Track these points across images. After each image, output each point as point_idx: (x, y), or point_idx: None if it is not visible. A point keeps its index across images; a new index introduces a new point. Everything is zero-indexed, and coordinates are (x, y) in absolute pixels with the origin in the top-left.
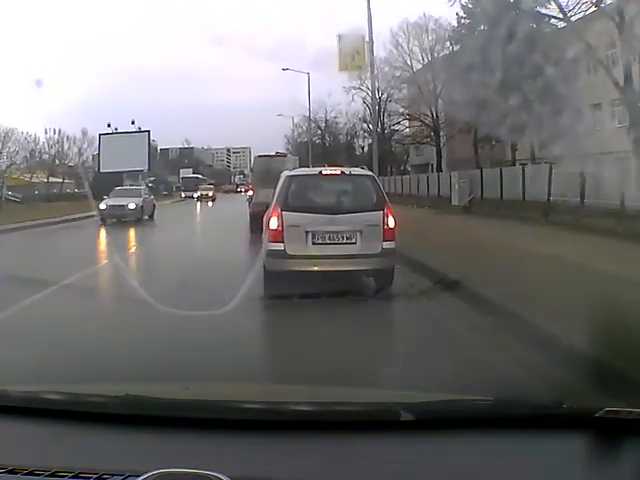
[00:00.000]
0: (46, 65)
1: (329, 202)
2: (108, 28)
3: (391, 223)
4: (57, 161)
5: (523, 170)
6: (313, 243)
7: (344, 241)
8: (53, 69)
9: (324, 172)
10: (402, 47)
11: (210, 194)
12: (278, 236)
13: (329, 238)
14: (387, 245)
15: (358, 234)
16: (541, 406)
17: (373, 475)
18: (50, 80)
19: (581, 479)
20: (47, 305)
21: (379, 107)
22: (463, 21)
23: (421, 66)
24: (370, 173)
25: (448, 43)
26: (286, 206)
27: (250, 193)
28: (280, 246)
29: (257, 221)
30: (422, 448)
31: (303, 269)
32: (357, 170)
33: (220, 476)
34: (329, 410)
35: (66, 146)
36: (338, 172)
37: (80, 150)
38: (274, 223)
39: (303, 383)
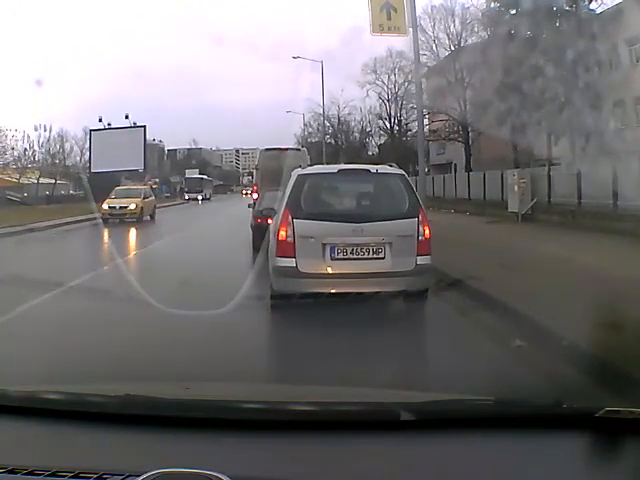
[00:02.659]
0: (49, 66)
1: (351, 207)
2: (113, 28)
3: (427, 233)
4: (51, 160)
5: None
6: (332, 258)
7: (370, 256)
8: (58, 70)
9: (344, 170)
10: (427, 32)
11: (133, 208)
12: (288, 249)
13: (352, 252)
14: (422, 260)
15: (387, 247)
16: (541, 406)
17: (373, 475)
18: (53, 81)
19: (581, 479)
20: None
21: (395, 103)
22: (493, 4)
23: (447, 54)
24: (401, 172)
25: (476, 28)
26: (298, 212)
27: (255, 196)
28: (291, 262)
29: (262, 235)
30: (422, 448)
31: (319, 290)
32: (385, 168)
33: (220, 476)
34: (329, 410)
35: (67, 146)
36: (361, 170)
37: (82, 150)
38: (283, 233)
39: (303, 383)
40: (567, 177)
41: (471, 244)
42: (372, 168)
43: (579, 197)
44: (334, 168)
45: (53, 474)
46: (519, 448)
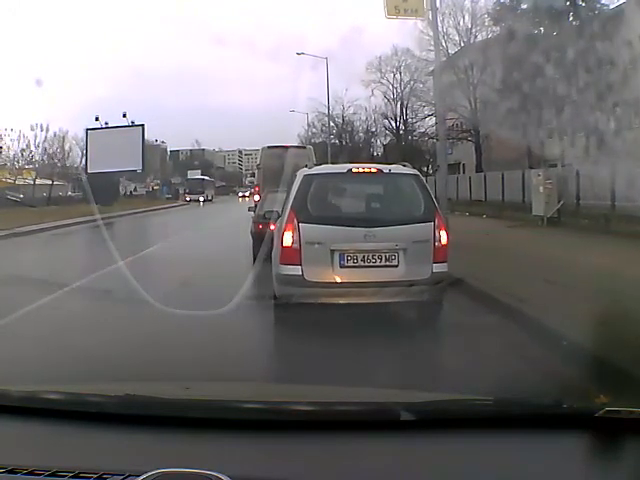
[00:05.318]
0: (48, 65)
1: (362, 210)
2: (113, 28)
3: (443, 239)
4: (49, 160)
5: None
6: (341, 266)
7: (383, 263)
8: (57, 70)
9: (355, 170)
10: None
11: None
12: (293, 256)
13: (362, 259)
14: (438, 268)
15: (401, 253)
16: (541, 406)
17: (373, 475)
18: (53, 81)
19: (581, 479)
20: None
21: (401, 102)
22: None
23: (457, 49)
24: (415, 172)
25: (487, 23)
26: (304, 216)
27: (257, 198)
28: (296, 270)
29: (263, 242)
30: (422, 448)
31: (326, 301)
32: (398, 168)
33: (220, 476)
34: (329, 410)
35: (66, 146)
36: (373, 170)
37: (82, 151)
38: (288, 239)
39: (303, 383)
40: (594, 179)
41: (500, 252)
42: (384, 168)
43: (612, 200)
44: (343, 168)
45: (53, 474)
46: (519, 448)
